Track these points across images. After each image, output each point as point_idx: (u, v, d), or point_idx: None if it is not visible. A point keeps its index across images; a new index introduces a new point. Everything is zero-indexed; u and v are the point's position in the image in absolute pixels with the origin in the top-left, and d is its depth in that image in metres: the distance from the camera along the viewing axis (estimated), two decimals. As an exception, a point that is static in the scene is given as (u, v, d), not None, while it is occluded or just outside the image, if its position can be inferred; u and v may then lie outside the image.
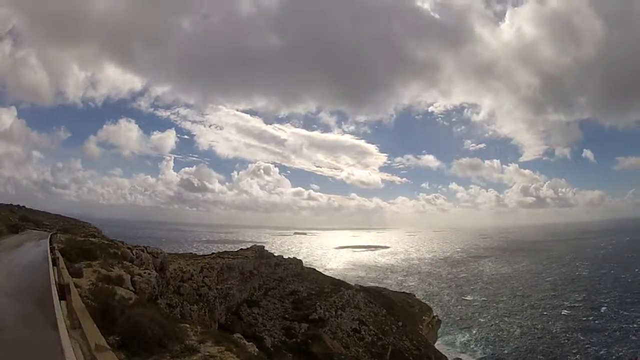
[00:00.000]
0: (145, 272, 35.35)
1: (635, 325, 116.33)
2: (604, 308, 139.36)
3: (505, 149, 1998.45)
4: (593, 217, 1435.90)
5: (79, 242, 40.50)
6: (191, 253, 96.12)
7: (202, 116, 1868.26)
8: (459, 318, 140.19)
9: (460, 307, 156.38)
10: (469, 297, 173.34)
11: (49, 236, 46.22)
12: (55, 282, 17.66)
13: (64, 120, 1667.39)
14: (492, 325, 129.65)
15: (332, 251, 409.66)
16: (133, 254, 41.41)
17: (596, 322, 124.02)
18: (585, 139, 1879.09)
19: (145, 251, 44.86)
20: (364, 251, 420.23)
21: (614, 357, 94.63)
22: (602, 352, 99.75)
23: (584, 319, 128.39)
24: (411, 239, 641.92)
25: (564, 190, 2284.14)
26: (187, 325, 20.88)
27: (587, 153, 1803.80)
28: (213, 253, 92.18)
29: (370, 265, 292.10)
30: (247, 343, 28.99)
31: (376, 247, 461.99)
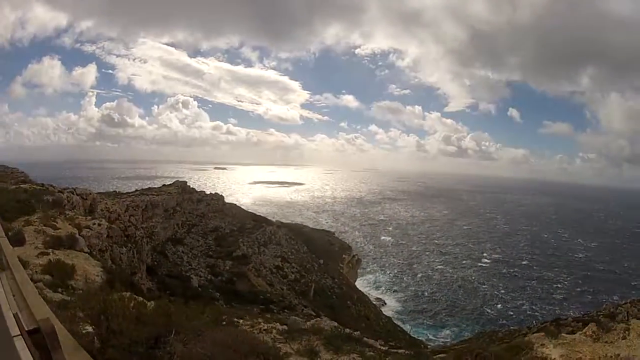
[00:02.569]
0: (93, 224, 32.12)
1: (558, 285, 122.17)
2: (525, 263, 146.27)
3: (430, 97, 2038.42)
4: (516, 174, 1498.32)
5: (12, 192, 37.18)
6: (115, 191, 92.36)
7: (127, 49, 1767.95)
8: (374, 258, 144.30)
9: (374, 247, 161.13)
10: (382, 238, 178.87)
11: None
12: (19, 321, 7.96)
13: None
14: (409, 268, 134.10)
15: (246, 186, 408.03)
16: (65, 198, 39.17)
17: (518, 276, 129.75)
18: (512, 99, 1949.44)
19: (74, 193, 42.23)
20: (278, 187, 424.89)
21: (537, 313, 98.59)
22: (524, 307, 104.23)
23: (505, 272, 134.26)
24: (328, 177, 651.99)
25: (487, 144, 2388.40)
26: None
27: (513, 112, 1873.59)
28: (137, 190, 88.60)
29: (283, 201, 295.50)
30: (370, 340, 22.93)
31: (291, 184, 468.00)
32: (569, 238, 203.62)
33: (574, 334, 16.52)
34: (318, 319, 25.64)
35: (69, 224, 29.59)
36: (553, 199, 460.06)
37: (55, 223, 28.21)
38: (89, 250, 25.60)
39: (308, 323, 23.00)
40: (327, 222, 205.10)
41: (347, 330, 20.96)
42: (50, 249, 21.50)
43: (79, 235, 27.01)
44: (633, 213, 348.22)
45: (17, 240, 21.11)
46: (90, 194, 46.97)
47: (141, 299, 16.84)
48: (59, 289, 16.43)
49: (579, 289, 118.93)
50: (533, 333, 19.62)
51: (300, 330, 17.76)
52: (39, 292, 11.35)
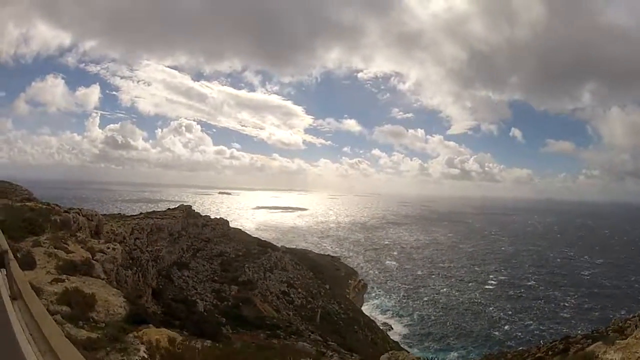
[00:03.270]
0: (107, 247, 30.58)
1: (565, 304, 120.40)
2: (531, 283, 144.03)
3: (433, 121, 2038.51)
4: (521, 194, 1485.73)
5: (18, 210, 35.54)
6: (120, 214, 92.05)
7: (131, 71, 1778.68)
8: (379, 283, 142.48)
9: (379, 272, 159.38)
10: (387, 263, 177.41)
11: None
12: None
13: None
14: (415, 292, 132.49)
15: (250, 211, 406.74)
16: (71, 219, 38.54)
17: (524, 297, 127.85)
18: (514, 119, 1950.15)
19: (80, 214, 41.78)
20: (282, 212, 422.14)
21: (544, 332, 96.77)
22: (532, 327, 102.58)
23: (511, 293, 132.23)
24: (332, 203, 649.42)
25: (490, 165, 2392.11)
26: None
27: (516, 132, 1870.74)
28: (141, 213, 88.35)
29: (286, 227, 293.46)
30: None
31: (295, 209, 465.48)
32: (575, 256, 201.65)
33: (626, 338, 16.95)
34: (394, 351, 24.64)
35: (81, 247, 27.99)
36: (558, 218, 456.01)
37: (66, 245, 26.70)
38: (105, 277, 24.20)
39: (384, 356, 21.90)
40: (331, 247, 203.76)
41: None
42: (65, 275, 19.81)
43: (94, 260, 25.62)
44: (638, 227, 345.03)
45: (27, 263, 19.60)
46: (96, 215, 46.48)
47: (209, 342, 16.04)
48: (80, 323, 14.64)
49: (586, 307, 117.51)
50: (589, 345, 19.94)
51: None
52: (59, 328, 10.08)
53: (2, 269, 13.10)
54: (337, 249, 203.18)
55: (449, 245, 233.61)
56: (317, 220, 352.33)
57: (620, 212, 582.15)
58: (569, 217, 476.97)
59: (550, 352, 44.68)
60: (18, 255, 19.65)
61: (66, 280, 18.69)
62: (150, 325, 16.12)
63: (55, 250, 24.33)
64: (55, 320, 10.93)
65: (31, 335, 8.82)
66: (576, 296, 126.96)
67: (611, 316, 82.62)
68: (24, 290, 11.20)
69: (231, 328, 54.54)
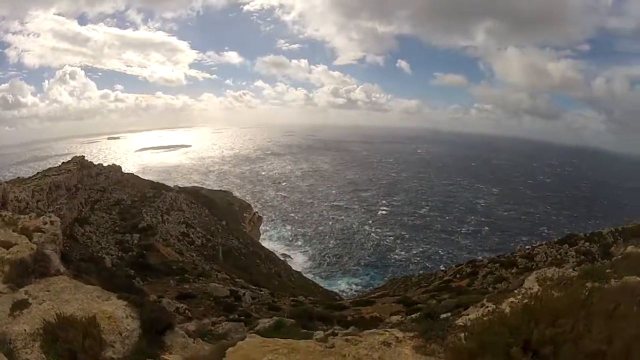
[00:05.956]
0: (44, 222, 20.49)
1: (462, 230, 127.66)
2: (424, 211, 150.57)
3: (318, 52, 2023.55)
4: (410, 124, 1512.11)
5: None
6: (19, 177, 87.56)
7: (22, 25, 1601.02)
8: (271, 214, 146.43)
9: (269, 204, 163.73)
10: (274, 194, 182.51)
11: None
12: None
13: None
14: (308, 221, 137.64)
15: (134, 154, 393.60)
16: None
17: (419, 223, 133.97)
18: (401, 51, 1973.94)
19: (-20, 186, 38.87)
20: (165, 152, 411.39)
21: (444, 257, 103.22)
22: (430, 252, 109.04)
23: (405, 219, 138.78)
24: (216, 137, 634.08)
25: (377, 95, 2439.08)
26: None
27: (402, 64, 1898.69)
28: (38, 173, 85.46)
29: (170, 166, 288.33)
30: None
31: (179, 147, 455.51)
32: (468, 185, 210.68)
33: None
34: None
35: (13, 231, 17.74)
36: (448, 148, 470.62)
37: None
38: (64, 268, 14.41)
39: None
40: (216, 183, 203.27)
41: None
42: (22, 289, 11.13)
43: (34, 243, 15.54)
44: (536, 161, 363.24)
45: None
46: (0, 184, 44.06)
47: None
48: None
49: (483, 233, 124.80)
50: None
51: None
52: None
53: None
54: (222, 183, 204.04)
55: (334, 173, 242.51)
56: (200, 156, 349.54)
57: (516, 147, 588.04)
58: (459, 147, 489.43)
59: (458, 275, 49.19)
60: None
61: (30, 299, 10.74)
62: (176, 329, 10.72)
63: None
64: None
65: None
66: (472, 223, 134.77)
67: (512, 244, 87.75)
68: None
69: (141, 279, 55.86)
